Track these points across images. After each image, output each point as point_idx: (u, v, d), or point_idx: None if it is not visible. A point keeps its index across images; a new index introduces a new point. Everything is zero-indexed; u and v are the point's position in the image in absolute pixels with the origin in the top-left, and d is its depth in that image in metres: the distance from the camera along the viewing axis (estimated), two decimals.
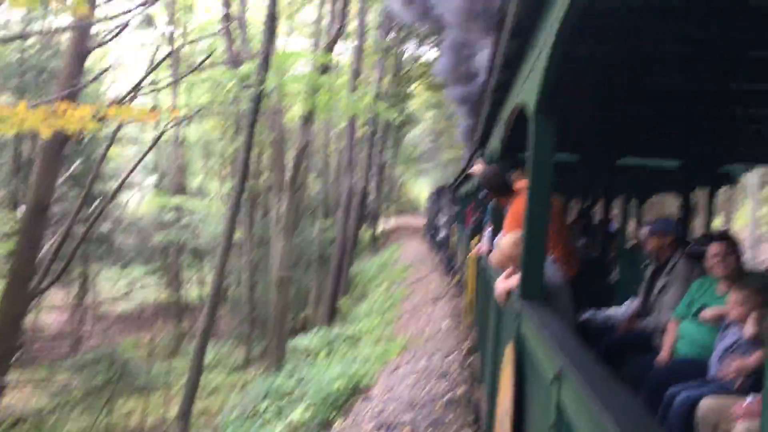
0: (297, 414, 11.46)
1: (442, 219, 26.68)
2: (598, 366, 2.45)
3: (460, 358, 11.60)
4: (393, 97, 41.84)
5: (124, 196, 31.87)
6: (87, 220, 14.66)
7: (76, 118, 5.47)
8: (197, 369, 12.36)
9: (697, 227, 14.99)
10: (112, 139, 11.14)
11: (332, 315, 23.32)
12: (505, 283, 4.44)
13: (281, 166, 19.16)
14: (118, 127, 11.88)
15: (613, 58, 4.74)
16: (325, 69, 15.73)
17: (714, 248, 4.60)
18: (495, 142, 6.88)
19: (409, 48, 45.32)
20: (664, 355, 4.81)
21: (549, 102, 3.60)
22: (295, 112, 29.31)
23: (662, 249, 5.87)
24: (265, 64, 11.92)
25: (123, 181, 12.71)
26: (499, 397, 4.32)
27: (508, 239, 4.63)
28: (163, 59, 14.57)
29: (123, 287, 34.44)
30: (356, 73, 22.08)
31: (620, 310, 6.16)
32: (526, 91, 4.05)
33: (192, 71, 14.30)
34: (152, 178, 36.25)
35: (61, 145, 11.09)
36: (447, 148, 62.29)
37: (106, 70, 11.72)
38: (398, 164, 62.13)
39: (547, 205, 3.86)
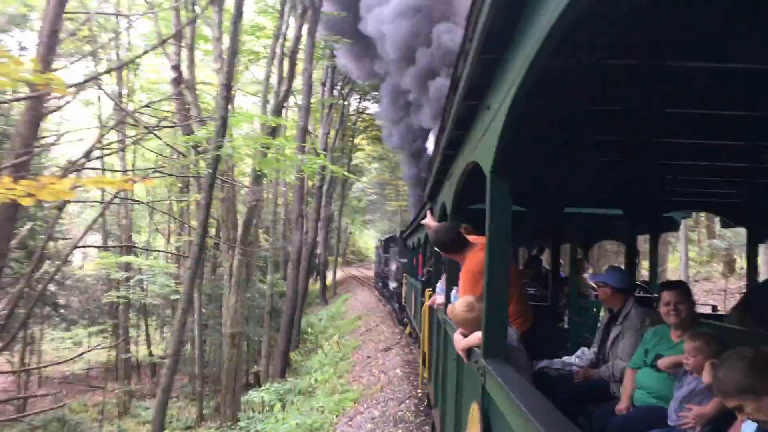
0: None
1: (392, 269, 26.71)
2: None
3: (414, 405, 11.76)
4: (339, 150, 42.43)
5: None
6: (36, 281, 14.51)
7: (58, 189, 5.52)
8: (160, 426, 12.30)
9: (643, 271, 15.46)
10: (65, 201, 11.11)
11: (285, 368, 23.20)
12: (466, 340, 4.38)
13: (233, 222, 19.25)
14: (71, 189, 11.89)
15: (556, 117, 4.87)
16: (274, 130, 15.97)
17: (666, 297, 4.59)
18: (447, 197, 6.83)
19: (353, 103, 46.34)
20: (623, 404, 4.85)
21: (504, 163, 3.62)
22: (245, 166, 29.53)
23: (609, 299, 5.89)
24: (222, 129, 12.22)
25: (77, 243, 12.64)
26: None
27: (461, 303, 4.57)
28: (114, 125, 14.54)
29: (69, 348, 33.73)
30: (304, 131, 22.41)
31: (574, 358, 6.19)
32: (481, 151, 4.10)
33: (144, 135, 14.28)
34: (97, 237, 35.65)
35: (14, 210, 11.04)
36: (392, 199, 63.09)
37: (61, 135, 11.72)
38: (344, 215, 62.47)
39: (506, 265, 3.79)
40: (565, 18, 2.17)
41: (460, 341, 4.46)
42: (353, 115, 47.05)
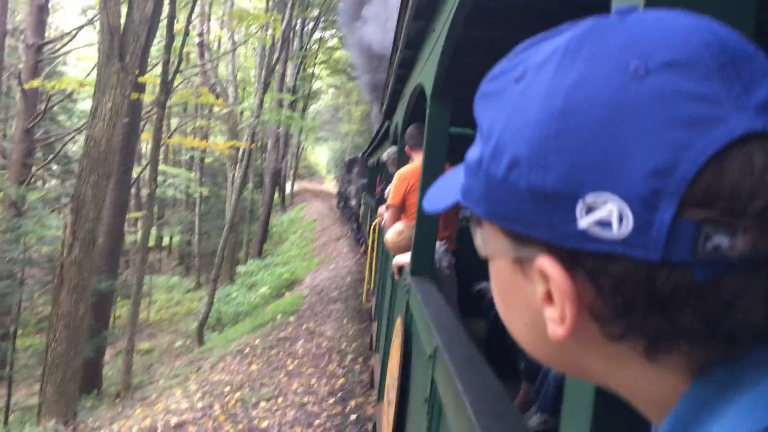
0: (262, 290, 20.08)
1: (353, 189, 27.51)
2: (471, 348, 2.51)
3: (354, 264, 20.16)
4: (300, 79, 49.58)
5: None
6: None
7: (222, 147, 13.21)
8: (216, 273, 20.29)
9: None
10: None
11: (261, 251, 31.45)
12: (397, 258, 4.53)
13: (236, 147, 27.19)
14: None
15: (510, 43, 4.62)
16: (266, 83, 23.62)
17: None
18: (399, 117, 6.84)
19: (316, 33, 52.42)
20: None
21: (444, 86, 3.65)
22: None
23: None
24: (260, 105, 20.29)
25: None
26: (389, 366, 4.50)
27: (391, 230, 4.68)
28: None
29: None
30: (282, 76, 30.41)
31: None
32: (425, 73, 4.13)
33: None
34: None
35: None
36: (345, 122, 70.33)
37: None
38: (301, 134, 68.80)
39: None
40: None
41: (394, 260, 4.63)
42: (314, 47, 53.04)
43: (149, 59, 18.04)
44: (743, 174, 0.48)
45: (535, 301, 0.59)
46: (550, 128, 0.52)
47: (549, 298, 0.57)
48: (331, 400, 8.27)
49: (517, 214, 0.56)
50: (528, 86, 0.56)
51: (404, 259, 4.37)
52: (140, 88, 14.52)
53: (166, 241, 44.08)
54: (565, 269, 0.54)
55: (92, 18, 15.56)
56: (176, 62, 13.27)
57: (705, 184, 0.48)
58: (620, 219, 0.50)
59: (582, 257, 0.53)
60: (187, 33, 13.88)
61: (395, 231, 4.62)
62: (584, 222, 0.51)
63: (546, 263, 0.55)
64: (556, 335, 0.56)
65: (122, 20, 10.57)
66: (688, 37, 0.52)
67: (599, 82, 0.51)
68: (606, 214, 0.50)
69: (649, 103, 0.49)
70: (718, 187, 0.48)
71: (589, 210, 0.51)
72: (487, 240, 0.64)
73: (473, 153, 0.62)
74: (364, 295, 11.80)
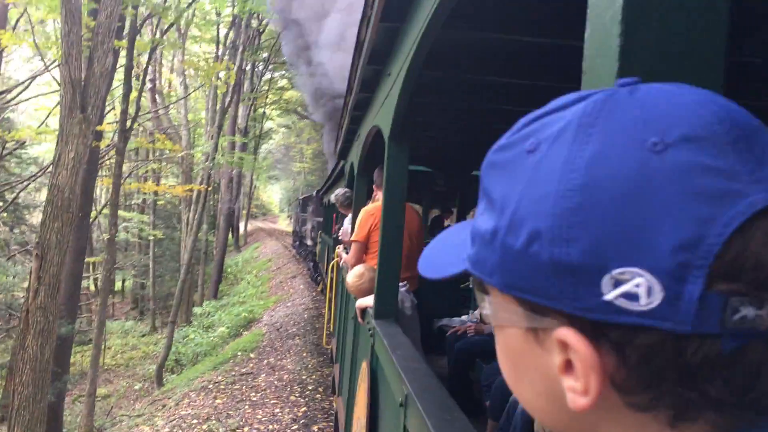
0: (220, 330, 20.26)
1: (308, 228, 28.01)
2: (443, 393, 2.48)
3: (311, 300, 20.48)
4: (252, 120, 49.93)
5: None
6: None
7: (178, 191, 13.70)
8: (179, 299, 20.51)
9: None
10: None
11: (216, 293, 31.53)
12: (360, 301, 4.46)
13: (190, 190, 27.56)
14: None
15: (460, 84, 4.74)
16: (220, 127, 24.19)
17: None
18: (354, 157, 6.97)
19: (266, 75, 52.65)
20: None
21: (402, 129, 3.74)
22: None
23: None
24: (215, 149, 20.71)
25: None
26: (355, 412, 4.43)
27: (351, 274, 4.61)
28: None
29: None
30: (234, 119, 30.91)
31: (472, 317, 6.20)
32: (382, 116, 4.22)
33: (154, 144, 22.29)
34: None
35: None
36: (297, 161, 70.72)
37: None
38: (254, 173, 68.49)
39: (400, 231, 3.92)
40: None
41: (357, 303, 4.55)
42: (264, 87, 53.22)
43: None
44: (765, 246, 0.49)
45: (550, 370, 0.58)
46: (572, 202, 0.52)
47: (567, 367, 0.56)
48: (295, 427, 8.78)
49: (536, 285, 0.56)
50: (543, 158, 0.56)
51: (367, 301, 4.27)
52: (99, 136, 14.87)
53: (118, 285, 43.67)
54: (588, 341, 0.53)
55: (47, 67, 15.83)
56: (134, 111, 13.70)
57: (730, 257, 0.49)
58: (649, 292, 0.50)
59: (607, 329, 0.52)
60: (143, 84, 14.30)
61: (355, 274, 4.53)
62: (611, 295, 0.51)
63: (569, 335, 0.54)
64: (578, 406, 0.55)
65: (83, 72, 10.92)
66: (699, 112, 0.53)
67: (619, 156, 0.52)
68: (634, 288, 0.50)
69: (671, 178, 0.50)
70: (743, 260, 0.49)
71: (617, 284, 0.51)
72: (498, 309, 0.63)
73: (485, 223, 0.61)
74: (324, 337, 11.81)
